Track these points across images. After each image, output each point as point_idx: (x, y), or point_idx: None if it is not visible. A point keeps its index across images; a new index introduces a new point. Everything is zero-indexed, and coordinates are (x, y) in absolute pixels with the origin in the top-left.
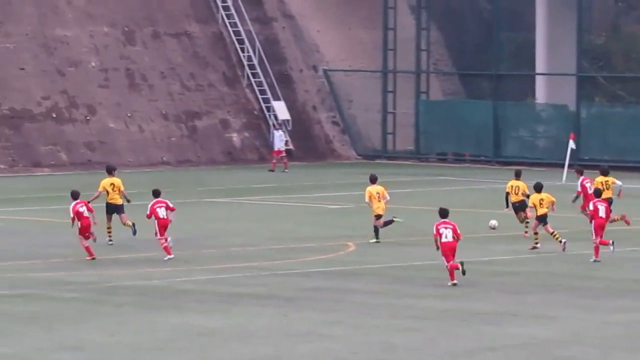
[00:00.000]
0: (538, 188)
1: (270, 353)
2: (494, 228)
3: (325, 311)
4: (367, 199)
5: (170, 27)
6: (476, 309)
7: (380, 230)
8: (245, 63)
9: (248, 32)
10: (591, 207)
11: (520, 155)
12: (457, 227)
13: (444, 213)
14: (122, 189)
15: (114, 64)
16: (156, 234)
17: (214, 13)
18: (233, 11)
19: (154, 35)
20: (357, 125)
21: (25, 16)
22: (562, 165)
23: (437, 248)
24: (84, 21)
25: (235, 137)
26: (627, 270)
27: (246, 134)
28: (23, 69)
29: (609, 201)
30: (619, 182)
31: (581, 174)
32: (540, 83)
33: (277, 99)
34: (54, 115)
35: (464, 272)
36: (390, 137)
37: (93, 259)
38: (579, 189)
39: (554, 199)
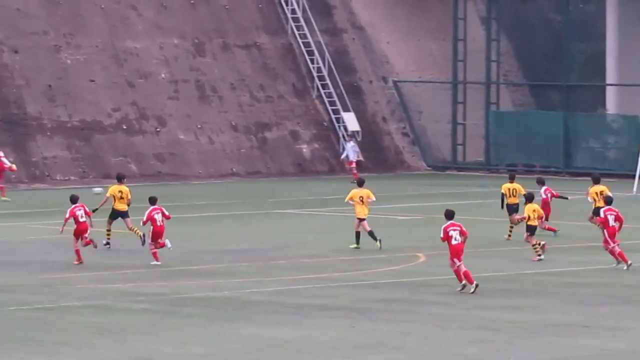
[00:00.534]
0: (530, 198)
1: None
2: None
3: (395, 322)
4: (347, 199)
5: (240, 39)
6: (546, 320)
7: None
8: (315, 74)
9: (317, 44)
10: (601, 215)
11: (591, 166)
12: (462, 227)
13: (450, 215)
14: (129, 197)
15: (183, 76)
16: (148, 241)
17: (283, 24)
18: (303, 22)
19: (223, 46)
20: (427, 136)
21: (96, 28)
22: (633, 176)
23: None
24: (154, 33)
25: (305, 149)
26: None
27: (316, 145)
28: (93, 80)
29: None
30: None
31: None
32: (610, 94)
33: (346, 110)
34: (124, 127)
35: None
36: (460, 148)
37: (80, 263)
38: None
39: (542, 213)
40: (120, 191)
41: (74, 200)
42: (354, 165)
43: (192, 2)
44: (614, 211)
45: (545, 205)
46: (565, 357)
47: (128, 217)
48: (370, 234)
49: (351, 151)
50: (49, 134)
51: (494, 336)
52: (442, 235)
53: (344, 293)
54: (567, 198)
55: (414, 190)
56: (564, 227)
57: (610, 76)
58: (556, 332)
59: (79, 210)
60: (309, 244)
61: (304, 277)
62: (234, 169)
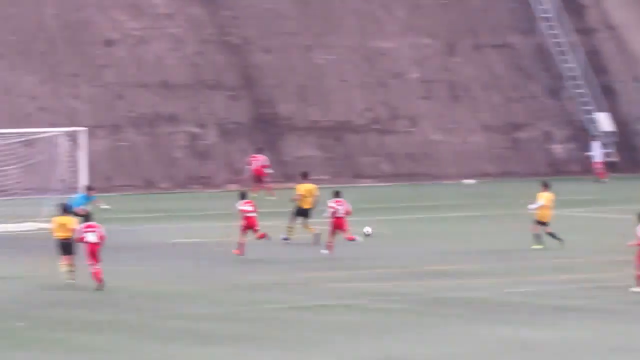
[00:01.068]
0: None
1: None
2: (368, 235)
3: None
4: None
5: (492, 38)
6: None
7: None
8: (567, 74)
9: (570, 43)
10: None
11: None
12: None
13: None
14: (315, 195)
15: (435, 76)
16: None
17: (534, 24)
18: (554, 22)
19: (475, 46)
20: None
21: (347, 28)
22: None
23: None
24: (405, 33)
25: (558, 149)
26: None
27: (569, 146)
28: (345, 80)
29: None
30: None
31: None
32: None
33: (599, 110)
34: (376, 127)
35: None
36: None
37: (240, 255)
38: None
39: None
40: (307, 190)
41: (243, 196)
42: (599, 165)
43: (443, 2)
44: None
45: None
46: None
47: (309, 217)
48: (552, 234)
49: (597, 151)
50: (301, 133)
51: None
52: None
53: (600, 295)
54: None
55: None
56: None
57: None
58: None
59: (248, 206)
60: (565, 244)
61: (559, 278)
62: (486, 169)
